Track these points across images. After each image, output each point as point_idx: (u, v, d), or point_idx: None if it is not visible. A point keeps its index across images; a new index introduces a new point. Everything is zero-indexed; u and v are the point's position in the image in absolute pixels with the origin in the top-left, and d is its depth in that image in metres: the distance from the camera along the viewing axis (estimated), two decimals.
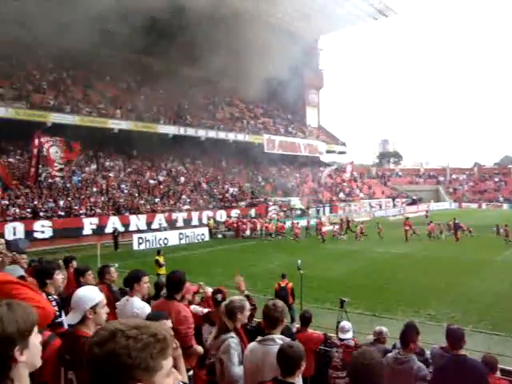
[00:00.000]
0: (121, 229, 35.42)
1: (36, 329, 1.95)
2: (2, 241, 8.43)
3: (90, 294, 3.71)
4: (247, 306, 4.79)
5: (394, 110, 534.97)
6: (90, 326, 3.62)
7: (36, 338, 1.95)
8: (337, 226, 38.77)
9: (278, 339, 4.22)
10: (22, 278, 5.01)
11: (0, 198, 32.89)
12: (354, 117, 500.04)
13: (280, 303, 4.47)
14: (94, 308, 3.63)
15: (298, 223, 40.03)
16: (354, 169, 70.63)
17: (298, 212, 50.88)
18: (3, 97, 39.41)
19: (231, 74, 52.49)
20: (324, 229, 37.95)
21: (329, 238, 36.37)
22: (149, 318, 4.17)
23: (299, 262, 14.71)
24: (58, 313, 5.12)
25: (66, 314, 5.31)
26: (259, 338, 4.30)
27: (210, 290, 7.94)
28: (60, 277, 5.24)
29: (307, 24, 60.94)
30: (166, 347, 1.60)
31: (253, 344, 4.34)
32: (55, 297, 5.08)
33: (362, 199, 63.54)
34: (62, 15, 35.29)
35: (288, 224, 40.98)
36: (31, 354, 1.92)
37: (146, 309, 5.47)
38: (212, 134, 52.42)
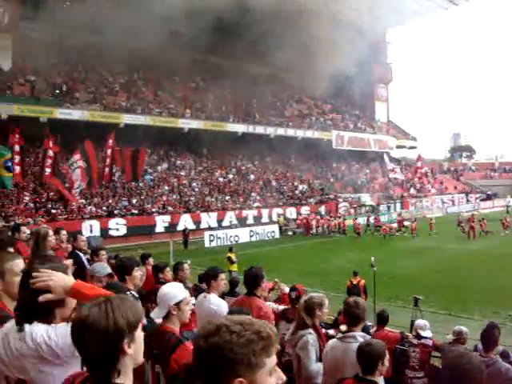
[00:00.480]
0: (192, 226, 35.94)
1: (141, 324, 2.00)
2: (64, 232, 8.74)
3: (175, 291, 3.77)
4: (326, 302, 4.76)
5: (466, 103, 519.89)
6: (174, 322, 3.69)
7: (141, 334, 2.01)
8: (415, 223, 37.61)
9: (359, 336, 4.17)
10: (109, 275, 5.17)
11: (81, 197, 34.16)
12: (425, 111, 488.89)
13: (361, 301, 4.41)
14: (178, 304, 3.69)
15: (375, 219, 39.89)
16: (425, 164, 68.92)
17: (368, 208, 50.16)
18: (79, 100, 40.85)
19: (298, 70, 52.40)
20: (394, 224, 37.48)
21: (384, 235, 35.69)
22: (231, 313, 4.20)
23: (373, 258, 14.45)
24: None
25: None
26: (340, 334, 4.26)
27: (285, 287, 7.95)
28: (139, 273, 5.35)
29: (375, 18, 59.90)
30: (270, 345, 1.62)
31: (333, 341, 4.30)
32: (134, 293, 5.20)
33: (434, 195, 61.94)
34: (130, 19, 36.17)
35: (360, 221, 40.38)
36: (136, 348, 1.97)
37: (223, 305, 5.51)
38: (281, 131, 52.44)
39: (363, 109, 72.35)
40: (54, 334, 2.47)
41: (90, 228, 31.66)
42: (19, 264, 3.22)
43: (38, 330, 2.49)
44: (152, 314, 3.89)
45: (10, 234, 8.66)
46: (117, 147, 30.41)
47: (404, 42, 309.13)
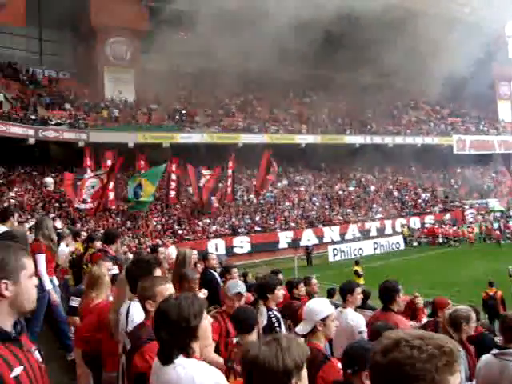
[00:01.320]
0: (315, 241, 35.93)
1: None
2: (195, 252, 8.97)
3: (320, 307, 3.77)
4: (473, 316, 4.53)
5: None
6: (320, 338, 3.68)
7: (305, 372, 2.01)
8: None
9: None
10: (238, 294, 5.21)
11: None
12: None
13: None
14: (324, 320, 3.68)
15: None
16: None
17: (498, 214, 47.55)
18: (198, 124, 42.37)
19: (411, 76, 50.84)
20: None
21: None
22: (377, 329, 4.12)
23: (510, 268, 13.68)
24: (277, 329, 5.27)
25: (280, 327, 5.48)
26: (495, 351, 4.01)
27: (421, 301, 7.69)
28: (281, 292, 5.38)
29: (491, 12, 56.96)
30: (453, 361, 1.49)
31: (488, 357, 4.04)
32: (275, 312, 5.24)
33: None
34: (241, 42, 37.00)
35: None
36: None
37: (361, 320, 5.43)
38: (399, 139, 51.14)
39: (484, 110, 68.79)
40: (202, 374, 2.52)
41: (216, 247, 32.53)
42: (169, 288, 3.39)
43: (187, 365, 2.54)
44: (297, 329, 3.91)
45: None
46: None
47: None
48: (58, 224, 12.35)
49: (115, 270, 6.41)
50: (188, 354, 2.55)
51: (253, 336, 4.22)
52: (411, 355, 1.47)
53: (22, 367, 2.11)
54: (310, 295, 7.04)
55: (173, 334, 2.54)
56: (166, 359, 2.55)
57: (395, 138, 51.00)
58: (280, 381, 1.90)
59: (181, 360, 2.52)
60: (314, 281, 7.60)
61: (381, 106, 56.92)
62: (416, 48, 45.75)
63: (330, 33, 46.64)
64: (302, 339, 2.04)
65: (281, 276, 9.07)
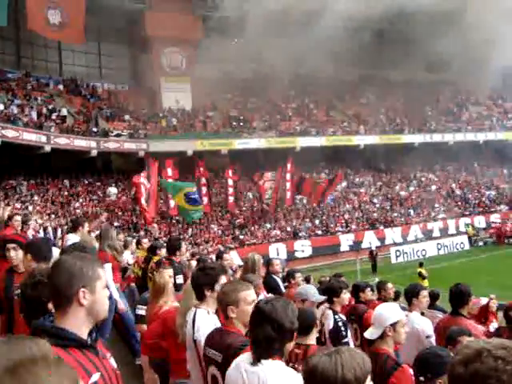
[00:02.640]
0: (376, 243, 35.41)
1: (369, 378, 1.95)
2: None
3: (390, 312, 3.69)
4: None
5: None
6: (389, 344, 3.60)
7: None
8: None
9: None
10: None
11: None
12: None
13: None
14: (393, 326, 3.59)
15: None
16: None
17: None
18: (255, 129, 42.60)
19: (470, 71, 49.39)
20: None
21: None
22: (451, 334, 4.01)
23: None
24: (343, 333, 5.20)
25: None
26: None
27: (495, 305, 7.44)
28: (347, 296, 5.31)
29: None
30: None
31: None
32: (342, 316, 5.17)
33: None
34: (294, 46, 37.00)
35: None
36: None
37: (427, 324, 5.29)
38: (460, 136, 49.76)
39: None
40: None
41: (277, 251, 32.53)
42: (251, 294, 3.40)
43: (270, 370, 2.56)
44: (366, 334, 3.85)
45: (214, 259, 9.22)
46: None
47: None
48: (121, 235, 12.62)
49: (180, 279, 6.48)
50: (281, 356, 2.63)
51: (311, 337, 4.21)
52: (495, 367, 1.37)
53: (99, 374, 2.17)
54: (385, 301, 6.90)
55: (277, 335, 2.60)
56: (260, 359, 2.60)
57: (456, 135, 49.67)
58: None
59: (273, 361, 2.58)
60: (390, 285, 7.45)
61: (439, 103, 55.79)
62: (472, 40, 44.39)
63: (382, 31, 46.19)
64: (363, 354, 1.99)
65: (344, 279, 9.00)
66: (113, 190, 33.07)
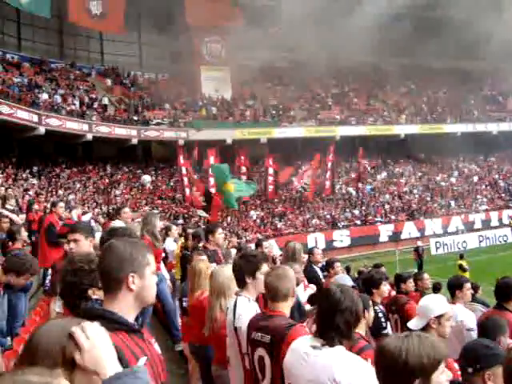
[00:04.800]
0: (416, 234, 35.01)
1: (443, 365, 1.91)
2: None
3: (436, 304, 3.65)
4: None
5: None
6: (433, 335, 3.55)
7: (442, 376, 1.91)
8: None
9: None
10: (353, 287, 5.15)
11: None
12: None
13: None
14: (438, 318, 3.55)
15: None
16: None
17: None
18: (295, 118, 42.44)
19: None
20: None
21: None
22: (488, 328, 3.94)
23: None
24: (383, 324, 5.15)
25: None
26: None
27: None
28: (387, 288, 5.25)
29: None
30: None
31: None
32: (381, 307, 5.12)
33: None
34: (334, 34, 36.63)
35: None
36: None
37: (471, 317, 5.16)
38: (504, 126, 48.54)
39: None
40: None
41: (315, 240, 32.38)
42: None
43: (341, 352, 2.56)
44: (409, 324, 3.82)
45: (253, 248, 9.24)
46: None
47: None
48: (161, 222, 12.73)
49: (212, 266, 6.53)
50: (348, 341, 2.66)
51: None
52: None
53: (145, 357, 2.19)
54: (422, 291, 6.83)
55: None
56: (327, 344, 2.59)
57: (500, 125, 48.48)
58: (400, 377, 1.85)
59: (338, 346, 2.57)
60: (426, 276, 7.38)
61: (483, 92, 54.57)
62: None
63: (424, 18, 45.35)
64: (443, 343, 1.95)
65: (383, 269, 8.93)
66: (147, 178, 33.32)
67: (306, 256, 8.03)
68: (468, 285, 5.50)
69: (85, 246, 4.28)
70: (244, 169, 34.50)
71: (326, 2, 37.78)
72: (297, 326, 3.21)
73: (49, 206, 12.81)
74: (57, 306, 3.88)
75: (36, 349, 1.57)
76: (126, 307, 2.26)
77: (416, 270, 9.30)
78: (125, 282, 2.25)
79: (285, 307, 3.43)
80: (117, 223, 7.59)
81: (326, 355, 2.54)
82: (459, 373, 3.20)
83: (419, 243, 28.06)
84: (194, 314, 5.19)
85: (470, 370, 3.04)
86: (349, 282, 5.09)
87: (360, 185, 38.90)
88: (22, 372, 1.36)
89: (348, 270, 13.38)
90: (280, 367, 2.99)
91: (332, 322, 2.61)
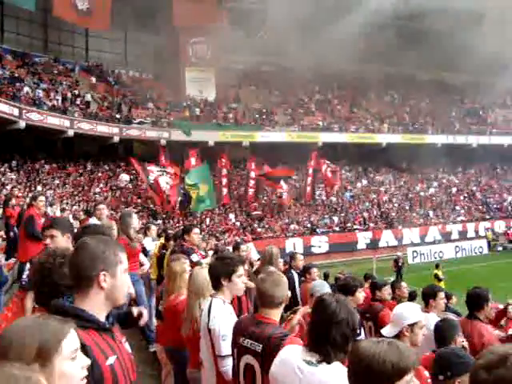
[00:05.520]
0: (394, 242, 35.29)
1: (411, 375, 1.89)
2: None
3: (410, 312, 3.67)
4: None
5: None
6: (405, 343, 3.56)
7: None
8: None
9: None
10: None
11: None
12: None
13: None
14: (411, 326, 3.57)
15: None
16: None
17: None
18: (278, 123, 42.51)
19: (500, 72, 48.46)
20: None
21: None
22: (444, 329, 3.99)
23: None
24: (358, 330, 5.15)
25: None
26: None
27: None
28: (362, 294, 5.25)
29: None
30: None
31: None
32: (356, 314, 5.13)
33: None
34: (319, 41, 36.86)
35: None
36: None
37: None
38: (484, 139, 49.09)
39: None
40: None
41: (293, 246, 32.47)
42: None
43: (338, 368, 2.48)
44: (382, 331, 3.83)
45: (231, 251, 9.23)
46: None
47: None
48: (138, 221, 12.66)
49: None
50: (343, 357, 2.50)
51: None
52: None
53: (115, 356, 2.19)
54: (399, 300, 6.86)
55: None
56: (324, 360, 2.49)
57: (479, 138, 49.00)
58: (365, 381, 1.86)
59: (335, 363, 2.48)
60: (404, 284, 7.43)
61: (464, 105, 55.16)
62: (502, 40, 43.57)
63: (409, 30, 45.81)
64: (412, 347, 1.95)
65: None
66: (125, 176, 33.15)
67: (282, 260, 8.04)
68: (442, 294, 5.54)
69: (61, 242, 4.23)
70: (225, 171, 34.47)
71: (313, 9, 38.06)
72: (291, 337, 3.11)
73: (28, 200, 12.67)
74: (31, 301, 3.84)
75: (9, 346, 1.57)
76: (96, 305, 2.24)
77: (392, 279, 9.35)
78: (96, 280, 2.23)
79: (277, 314, 3.38)
80: (94, 220, 7.54)
81: (323, 372, 2.46)
82: (429, 381, 3.22)
83: (399, 254, 27.99)
84: (168, 318, 5.16)
85: (441, 377, 3.07)
86: (327, 288, 5.10)
87: (329, 189, 38.70)
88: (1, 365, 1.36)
89: (326, 276, 13.38)
90: None
91: (328, 334, 2.50)
